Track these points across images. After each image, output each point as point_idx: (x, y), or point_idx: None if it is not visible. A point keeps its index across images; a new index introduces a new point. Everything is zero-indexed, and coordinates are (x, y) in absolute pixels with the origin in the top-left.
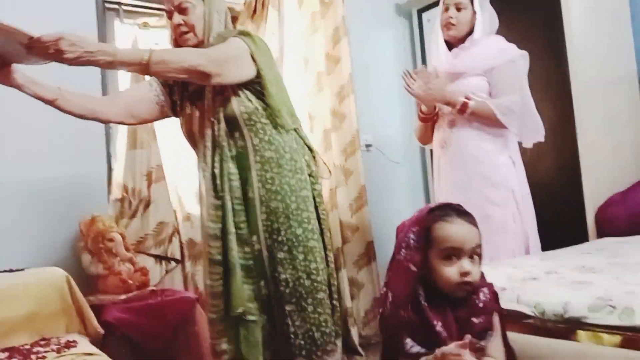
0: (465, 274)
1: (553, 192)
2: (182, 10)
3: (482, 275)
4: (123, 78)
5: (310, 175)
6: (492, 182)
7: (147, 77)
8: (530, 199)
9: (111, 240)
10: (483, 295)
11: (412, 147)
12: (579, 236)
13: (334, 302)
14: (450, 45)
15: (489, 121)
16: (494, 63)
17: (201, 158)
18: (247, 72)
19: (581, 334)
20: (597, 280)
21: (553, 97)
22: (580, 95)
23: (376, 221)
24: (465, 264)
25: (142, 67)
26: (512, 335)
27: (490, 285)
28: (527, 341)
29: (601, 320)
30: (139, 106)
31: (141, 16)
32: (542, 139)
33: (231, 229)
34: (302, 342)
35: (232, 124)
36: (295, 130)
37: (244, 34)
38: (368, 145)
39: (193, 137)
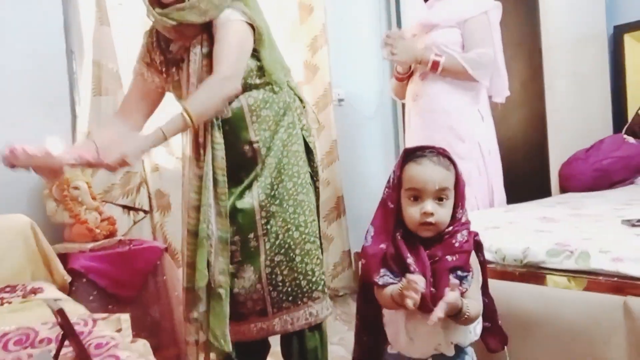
0: (426, 214)
1: (519, 148)
2: None
3: (466, 222)
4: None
5: (302, 129)
6: (458, 134)
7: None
8: (497, 153)
9: (76, 188)
10: (461, 236)
11: (385, 102)
12: (543, 191)
13: (322, 254)
14: None
15: (460, 76)
16: (467, 15)
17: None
18: (251, 47)
19: (540, 278)
20: (557, 229)
21: (524, 53)
22: (550, 52)
23: (347, 176)
24: (427, 204)
25: (189, 127)
26: None
27: (471, 232)
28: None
29: (559, 264)
30: (148, 102)
31: None
32: (508, 93)
33: (210, 200)
34: (289, 289)
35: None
36: (287, 82)
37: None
38: (340, 100)
39: (182, 96)
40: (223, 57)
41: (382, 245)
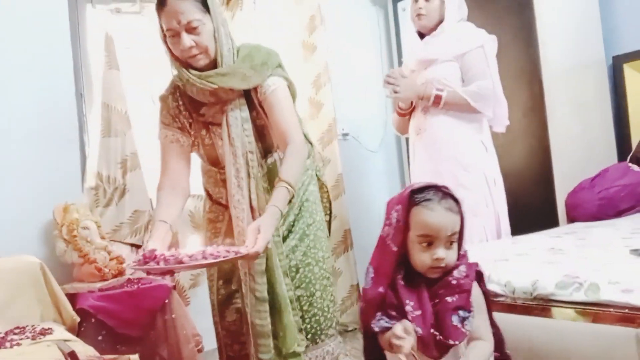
0: (438, 260)
1: (524, 178)
2: (192, 30)
3: (463, 254)
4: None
5: (315, 169)
6: (464, 165)
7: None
8: (501, 182)
9: (86, 228)
10: (458, 273)
11: (388, 136)
12: (550, 221)
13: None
14: (423, 35)
15: (463, 108)
16: (464, 49)
17: (232, 183)
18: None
19: (550, 310)
20: (565, 260)
21: (524, 82)
22: (550, 81)
23: (353, 210)
24: (440, 251)
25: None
26: None
27: (470, 264)
28: (498, 319)
29: (568, 296)
30: (188, 164)
31: (114, 1)
32: (507, 122)
33: (277, 262)
34: (309, 326)
35: (266, 149)
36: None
37: (277, 65)
38: (345, 134)
39: (214, 161)
40: (290, 125)
41: (381, 289)
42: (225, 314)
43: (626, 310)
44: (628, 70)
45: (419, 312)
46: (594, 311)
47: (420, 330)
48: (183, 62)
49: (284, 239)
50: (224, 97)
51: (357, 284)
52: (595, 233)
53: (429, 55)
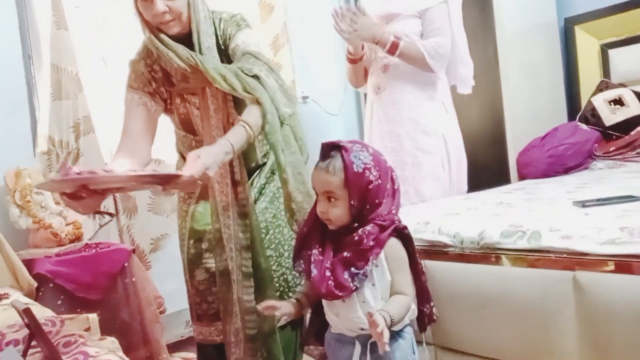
0: (321, 213)
1: (478, 137)
2: None
3: (370, 216)
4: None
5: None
6: (423, 128)
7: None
8: (462, 145)
9: (39, 193)
10: (362, 231)
11: (349, 99)
12: (502, 179)
13: None
14: None
15: (417, 63)
16: (427, 4)
17: None
18: None
19: (495, 258)
20: (512, 212)
21: (479, 44)
22: (504, 43)
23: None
24: (320, 205)
25: (251, 141)
26: (433, 264)
27: (382, 226)
28: (448, 267)
29: (512, 244)
30: (152, 130)
31: None
32: (472, 83)
33: (259, 236)
34: (277, 284)
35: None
36: None
37: (244, 21)
38: (304, 97)
39: (192, 130)
40: (264, 75)
41: (305, 229)
42: (195, 273)
43: (564, 255)
44: (579, 31)
45: (320, 258)
46: (536, 257)
47: (315, 272)
48: (154, 27)
49: (255, 201)
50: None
51: None
52: (543, 188)
53: (392, 9)
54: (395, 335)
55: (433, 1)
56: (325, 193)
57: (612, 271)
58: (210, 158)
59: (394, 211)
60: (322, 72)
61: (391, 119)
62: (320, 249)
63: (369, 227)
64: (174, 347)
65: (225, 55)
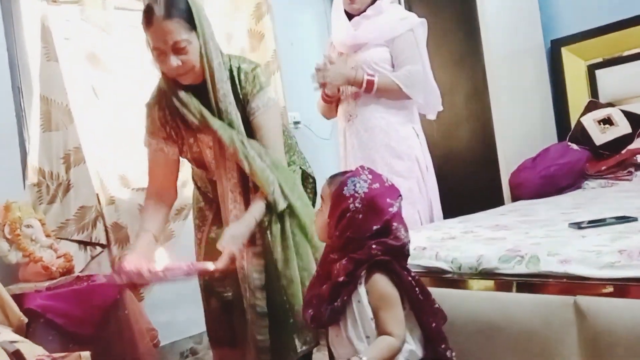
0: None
1: (470, 160)
2: (179, 50)
3: (348, 246)
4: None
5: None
6: (397, 153)
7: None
8: (432, 168)
9: (29, 226)
10: (338, 265)
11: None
12: (495, 201)
13: None
14: (351, 16)
15: (393, 94)
16: (395, 33)
17: (228, 197)
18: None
19: (494, 284)
20: (509, 236)
21: (467, 68)
22: (492, 66)
23: None
24: (316, 210)
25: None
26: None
27: (353, 260)
28: (446, 294)
29: (511, 269)
30: (174, 172)
31: None
32: (440, 109)
33: (274, 275)
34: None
35: None
36: None
37: (265, 75)
38: (296, 123)
39: (202, 165)
40: (277, 150)
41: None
42: (210, 300)
43: (564, 280)
44: (566, 53)
45: (315, 282)
46: (535, 282)
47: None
48: (172, 83)
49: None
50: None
51: None
52: (537, 210)
53: (360, 38)
54: None
55: (399, 30)
56: (321, 198)
57: (612, 295)
58: (237, 243)
59: (374, 246)
60: (313, 98)
61: (365, 145)
62: (320, 273)
63: (343, 262)
64: None
65: (242, 104)
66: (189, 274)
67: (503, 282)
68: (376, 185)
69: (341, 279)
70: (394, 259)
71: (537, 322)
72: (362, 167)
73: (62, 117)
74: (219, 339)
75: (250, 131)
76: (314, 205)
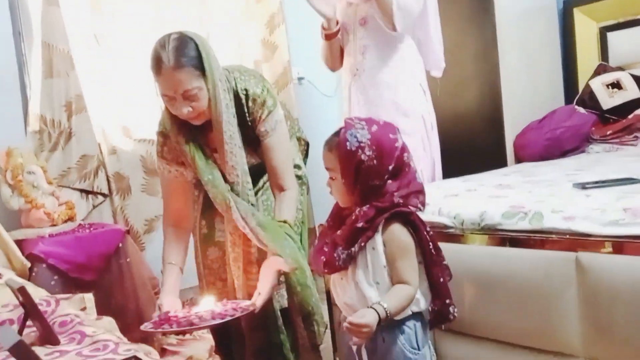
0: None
1: (475, 120)
2: (189, 98)
3: (368, 198)
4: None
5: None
6: (403, 110)
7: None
8: (436, 127)
9: (31, 172)
10: (358, 212)
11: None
12: (499, 162)
13: None
14: None
15: (385, 10)
16: None
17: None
18: None
19: (496, 239)
20: (512, 194)
21: (477, 27)
22: (503, 26)
23: (309, 155)
24: (327, 182)
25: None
26: None
27: (380, 208)
28: (448, 249)
29: (514, 225)
30: (192, 195)
31: None
32: (443, 65)
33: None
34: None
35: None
36: None
37: (273, 95)
38: (300, 79)
39: None
40: (287, 169)
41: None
42: (208, 252)
43: (567, 236)
44: (578, 14)
45: (327, 232)
46: (538, 238)
47: (315, 244)
48: (181, 122)
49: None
50: None
51: (314, 227)
52: (541, 171)
53: None
54: (394, 329)
55: None
56: (327, 169)
57: (614, 252)
58: (268, 290)
59: (396, 194)
60: (318, 53)
61: (371, 101)
62: (331, 223)
63: (364, 208)
64: None
65: (251, 126)
66: (233, 316)
67: (505, 237)
68: (375, 128)
69: (360, 224)
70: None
71: (537, 277)
72: (348, 118)
73: (64, 64)
74: (218, 292)
75: (261, 150)
76: (306, 164)
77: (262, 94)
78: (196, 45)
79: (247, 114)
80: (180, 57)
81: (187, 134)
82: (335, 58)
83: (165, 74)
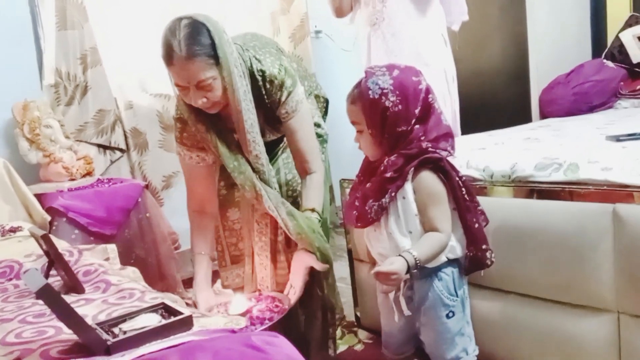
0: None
1: (500, 74)
2: (203, 88)
3: (398, 148)
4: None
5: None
6: (425, 61)
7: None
8: (456, 80)
9: (48, 126)
10: (386, 162)
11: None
12: (523, 118)
13: None
14: None
15: None
16: None
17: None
18: None
19: (528, 191)
20: (542, 147)
21: None
22: None
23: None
24: (355, 137)
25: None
26: None
27: (410, 160)
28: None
29: (547, 177)
30: (215, 179)
31: None
32: (466, 18)
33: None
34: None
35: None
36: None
37: (291, 74)
38: (317, 32)
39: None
40: (313, 152)
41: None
42: (228, 213)
43: (604, 187)
44: None
45: (357, 186)
46: (572, 190)
47: (347, 199)
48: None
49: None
50: None
51: (331, 186)
52: (569, 126)
53: None
54: (431, 275)
55: None
56: (352, 123)
57: None
58: (301, 285)
59: (423, 138)
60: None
61: (391, 51)
62: (361, 178)
63: (392, 157)
64: (189, 283)
65: (271, 107)
66: (272, 319)
67: (534, 189)
68: (396, 72)
69: (389, 174)
70: (444, 153)
71: (570, 230)
72: (369, 67)
73: (78, 15)
74: (240, 253)
75: (283, 130)
76: (325, 121)
77: (279, 75)
78: (208, 31)
79: (264, 96)
80: (192, 45)
81: (206, 120)
82: (346, 3)
83: (178, 65)
